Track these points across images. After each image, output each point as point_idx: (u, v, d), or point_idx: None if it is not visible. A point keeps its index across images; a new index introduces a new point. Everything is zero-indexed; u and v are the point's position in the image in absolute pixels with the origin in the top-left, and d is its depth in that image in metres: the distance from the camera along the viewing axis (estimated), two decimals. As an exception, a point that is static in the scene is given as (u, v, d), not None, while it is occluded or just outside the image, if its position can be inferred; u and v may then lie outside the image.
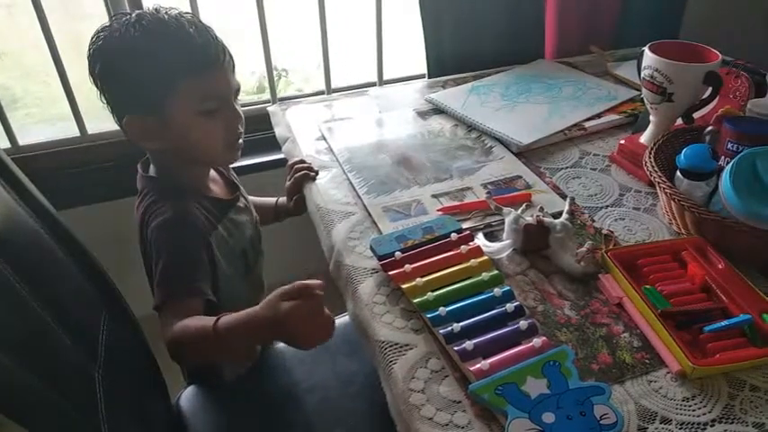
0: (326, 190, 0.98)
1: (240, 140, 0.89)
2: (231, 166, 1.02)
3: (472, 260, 0.77)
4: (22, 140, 1.43)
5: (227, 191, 0.98)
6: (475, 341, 0.65)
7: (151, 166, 0.90)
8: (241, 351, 0.89)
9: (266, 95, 1.61)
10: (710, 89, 0.91)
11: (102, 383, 0.69)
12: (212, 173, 0.97)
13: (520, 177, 0.99)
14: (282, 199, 1.12)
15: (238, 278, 0.93)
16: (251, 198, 1.05)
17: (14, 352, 0.56)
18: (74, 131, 1.45)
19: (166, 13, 0.80)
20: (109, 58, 0.79)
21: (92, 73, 0.81)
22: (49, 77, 1.38)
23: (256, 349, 1.04)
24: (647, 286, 0.73)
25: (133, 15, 0.79)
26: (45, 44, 1.32)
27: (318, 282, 0.68)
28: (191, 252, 0.81)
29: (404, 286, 0.73)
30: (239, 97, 0.89)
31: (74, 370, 0.67)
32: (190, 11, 0.84)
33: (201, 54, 0.80)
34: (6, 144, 1.41)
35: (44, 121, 1.75)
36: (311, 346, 0.69)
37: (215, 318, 0.71)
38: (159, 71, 0.78)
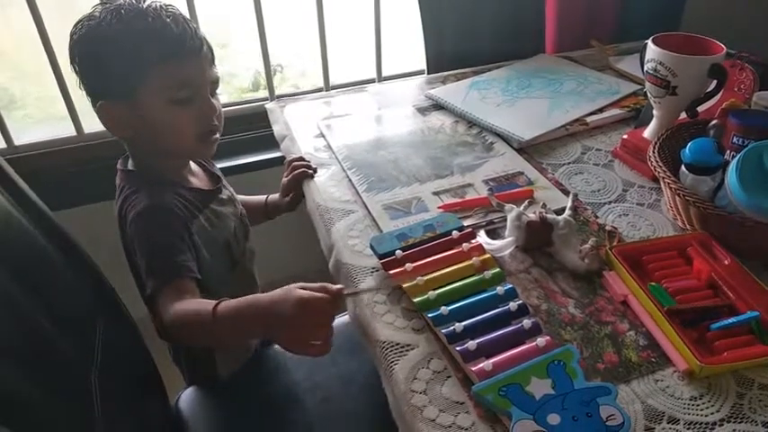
0: (326, 188, 0.96)
1: (216, 135, 0.88)
2: (217, 162, 1.00)
3: (474, 258, 0.76)
4: (19, 140, 1.42)
5: (210, 183, 0.97)
6: (477, 341, 0.64)
7: (129, 160, 0.90)
8: (236, 340, 0.88)
9: (260, 94, 1.59)
10: (715, 82, 0.89)
11: (99, 387, 0.68)
12: (193, 166, 0.96)
13: (521, 173, 0.97)
14: (273, 196, 1.11)
15: (223, 271, 0.91)
16: (239, 197, 1.04)
17: (8, 356, 0.55)
18: (71, 131, 1.44)
19: (147, 4, 0.81)
20: (86, 44, 0.80)
21: (72, 60, 0.82)
22: (46, 77, 1.37)
23: (251, 345, 1.03)
24: (653, 283, 0.72)
25: (113, 5, 0.79)
26: (41, 43, 1.30)
27: (341, 287, 0.68)
28: (172, 235, 0.80)
29: (405, 285, 0.72)
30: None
31: (70, 374, 0.66)
32: (169, 2, 0.83)
33: (175, 41, 0.79)
34: (2, 144, 1.40)
35: (43, 120, 1.74)
36: (303, 350, 0.66)
37: (214, 302, 0.69)
38: (131, 57, 0.78)
